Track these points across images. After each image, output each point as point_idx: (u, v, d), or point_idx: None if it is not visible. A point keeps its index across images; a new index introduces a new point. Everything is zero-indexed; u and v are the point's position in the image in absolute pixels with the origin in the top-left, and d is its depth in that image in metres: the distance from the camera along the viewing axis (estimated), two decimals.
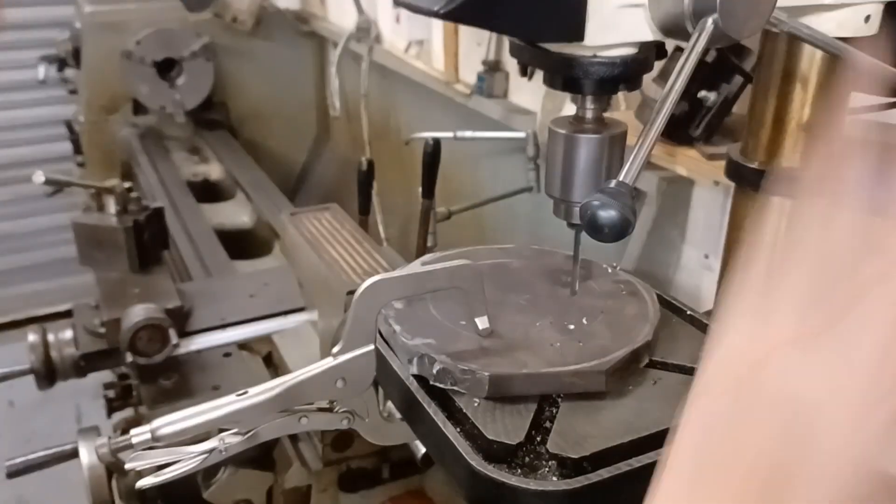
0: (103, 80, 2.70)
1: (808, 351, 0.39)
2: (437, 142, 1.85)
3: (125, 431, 0.72)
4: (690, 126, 1.20)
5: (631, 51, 0.66)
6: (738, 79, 1.14)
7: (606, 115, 0.73)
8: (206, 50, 2.71)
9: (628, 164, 0.50)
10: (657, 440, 0.67)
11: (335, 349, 0.74)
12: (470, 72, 2.04)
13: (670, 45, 0.69)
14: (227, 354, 1.30)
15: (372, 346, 0.74)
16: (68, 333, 1.28)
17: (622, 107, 1.46)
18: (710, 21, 0.58)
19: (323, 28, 2.88)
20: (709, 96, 1.15)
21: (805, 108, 0.77)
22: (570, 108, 0.74)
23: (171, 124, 2.74)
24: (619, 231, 0.47)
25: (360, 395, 0.76)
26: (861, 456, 0.37)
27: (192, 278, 1.72)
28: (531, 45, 0.69)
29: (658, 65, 0.76)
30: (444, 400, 0.69)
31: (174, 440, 0.72)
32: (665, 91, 0.56)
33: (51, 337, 1.27)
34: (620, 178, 0.49)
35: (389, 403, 0.79)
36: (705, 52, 0.60)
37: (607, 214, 0.46)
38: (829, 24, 0.70)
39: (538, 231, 1.90)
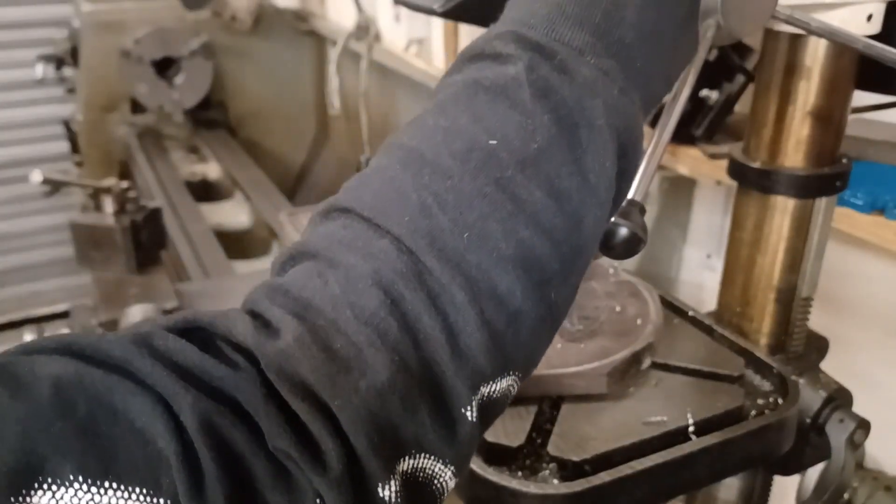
0: (101, 79, 2.69)
1: None
2: None
3: None
4: (692, 125, 1.19)
5: None
6: (741, 77, 1.13)
7: None
8: (205, 49, 2.70)
9: (636, 180, 0.49)
10: (658, 443, 0.67)
11: None
12: None
13: None
14: None
15: None
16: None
17: None
18: (711, 24, 0.57)
19: (322, 27, 2.87)
20: (711, 95, 1.14)
21: (808, 106, 0.77)
22: None
23: (169, 123, 2.73)
24: (631, 249, 0.47)
25: None
26: None
27: (190, 278, 1.72)
28: None
29: None
30: None
31: None
32: (669, 100, 0.55)
33: None
34: (630, 196, 0.48)
35: None
36: (707, 52, 0.59)
37: (619, 233, 0.46)
38: (831, 23, 0.70)
39: None
